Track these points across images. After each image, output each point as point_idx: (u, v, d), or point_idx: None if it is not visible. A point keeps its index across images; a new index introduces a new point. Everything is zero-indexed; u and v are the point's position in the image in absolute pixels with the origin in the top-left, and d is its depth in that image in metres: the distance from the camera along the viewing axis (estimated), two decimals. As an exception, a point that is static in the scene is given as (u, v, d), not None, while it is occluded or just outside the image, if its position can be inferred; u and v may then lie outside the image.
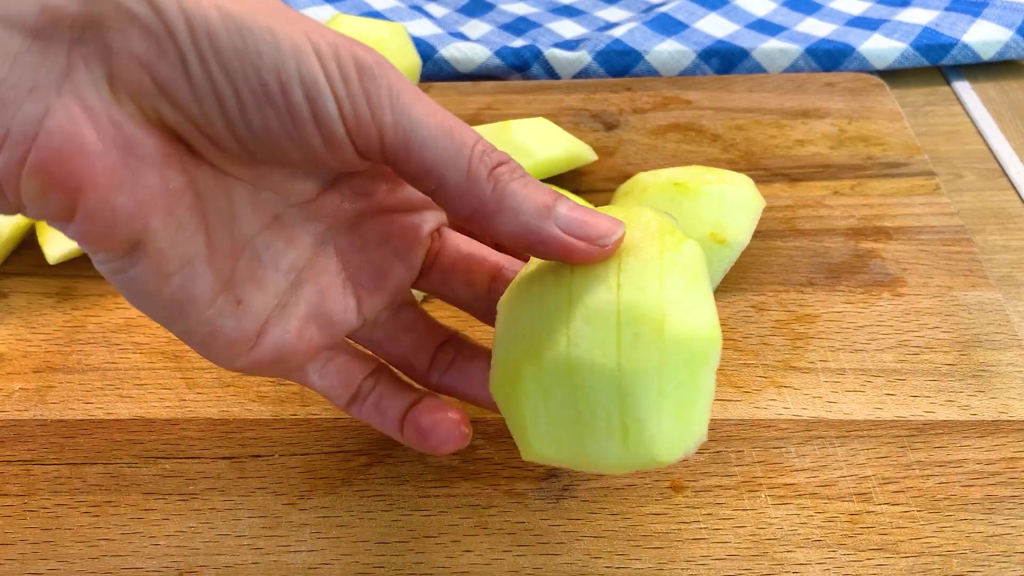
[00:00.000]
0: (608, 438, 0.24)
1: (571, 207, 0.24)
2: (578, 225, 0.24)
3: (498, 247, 0.30)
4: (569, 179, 0.46)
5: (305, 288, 0.27)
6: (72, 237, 0.22)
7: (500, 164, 0.24)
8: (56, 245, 0.40)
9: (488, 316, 0.29)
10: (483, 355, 0.30)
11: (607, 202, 0.45)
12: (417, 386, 0.30)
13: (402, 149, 0.23)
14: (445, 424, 0.28)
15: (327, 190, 0.26)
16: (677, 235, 0.26)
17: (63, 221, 0.21)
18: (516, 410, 0.25)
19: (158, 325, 0.39)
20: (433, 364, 0.30)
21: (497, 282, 0.29)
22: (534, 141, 0.42)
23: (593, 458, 0.25)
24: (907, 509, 0.31)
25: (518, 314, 0.26)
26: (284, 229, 0.26)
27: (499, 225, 0.24)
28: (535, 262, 0.27)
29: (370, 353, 0.30)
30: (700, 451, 0.33)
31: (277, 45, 0.21)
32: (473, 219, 0.24)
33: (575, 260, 0.24)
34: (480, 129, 0.43)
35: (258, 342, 0.26)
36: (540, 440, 0.25)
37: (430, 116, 0.23)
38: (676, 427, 0.24)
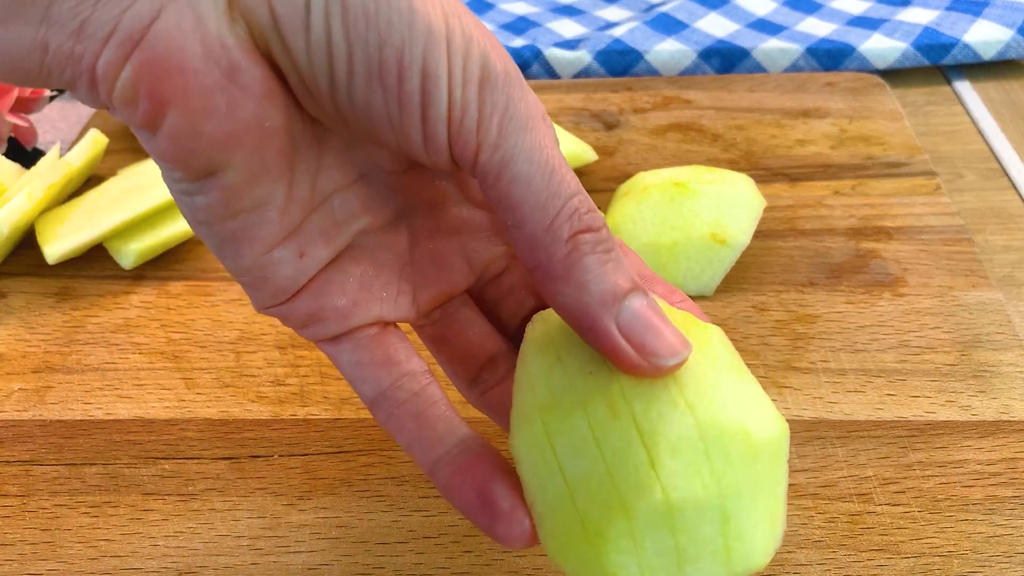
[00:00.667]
0: (710, 564, 0.23)
1: (646, 306, 0.22)
2: (641, 330, 0.21)
3: None
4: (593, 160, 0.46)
5: (365, 257, 0.25)
6: (149, 151, 0.21)
7: (587, 230, 0.21)
8: (56, 245, 0.40)
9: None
10: None
11: (607, 202, 0.45)
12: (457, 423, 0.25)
13: (492, 174, 0.21)
14: (468, 492, 0.23)
15: (419, 166, 0.24)
16: (699, 325, 0.24)
17: (146, 132, 0.20)
18: (597, 567, 0.23)
19: (158, 326, 0.39)
20: (477, 378, 0.27)
21: None
22: None
23: None
24: (908, 509, 0.31)
25: (563, 458, 0.23)
26: (364, 192, 0.24)
27: (557, 293, 0.22)
28: (539, 373, 0.24)
29: (416, 355, 0.26)
30: (700, 451, 0.33)
31: (412, 21, 0.19)
32: (536, 274, 0.22)
33: (621, 367, 0.22)
34: None
35: (301, 294, 0.24)
36: None
37: (536, 150, 0.21)
38: (769, 529, 0.23)
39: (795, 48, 0.57)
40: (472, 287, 0.27)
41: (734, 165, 0.47)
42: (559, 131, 0.45)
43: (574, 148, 0.44)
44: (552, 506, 0.23)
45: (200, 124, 0.19)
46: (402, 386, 0.25)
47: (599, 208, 0.42)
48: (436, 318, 0.27)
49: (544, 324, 0.25)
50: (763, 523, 0.23)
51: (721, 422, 0.22)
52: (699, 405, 0.22)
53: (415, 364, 0.25)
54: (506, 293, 0.27)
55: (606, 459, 0.22)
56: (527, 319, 0.26)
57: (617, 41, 0.58)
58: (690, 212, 0.38)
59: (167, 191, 0.41)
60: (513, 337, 0.27)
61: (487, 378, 0.27)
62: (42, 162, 0.42)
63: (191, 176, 0.21)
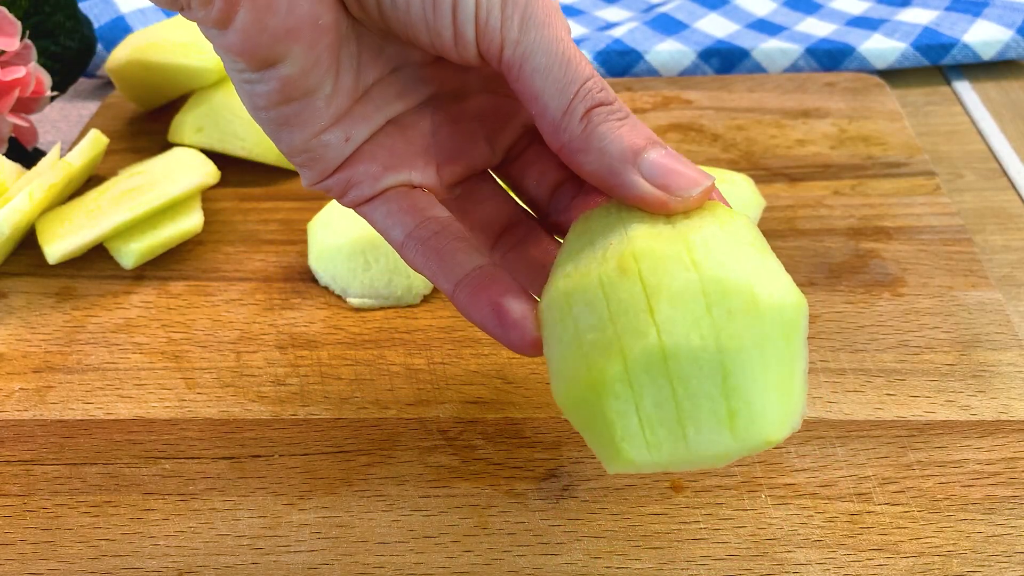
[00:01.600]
0: (714, 427, 0.22)
1: (664, 155, 0.24)
2: (662, 173, 0.24)
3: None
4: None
5: (397, 133, 0.28)
6: (219, 45, 0.23)
7: (600, 104, 0.24)
8: (56, 245, 0.40)
9: (544, 217, 0.30)
10: (549, 242, 0.30)
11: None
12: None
13: (515, 68, 0.24)
14: (483, 307, 0.26)
15: (445, 60, 0.27)
16: (727, 209, 0.25)
17: (218, 29, 0.23)
18: (600, 417, 0.23)
19: (158, 326, 0.39)
20: (497, 242, 0.30)
21: (562, 189, 0.29)
22: None
23: (697, 453, 0.23)
24: (907, 509, 0.31)
25: (577, 314, 0.24)
26: (398, 83, 0.27)
27: (583, 164, 0.24)
28: (571, 253, 0.25)
29: (439, 206, 0.29)
30: (700, 451, 0.33)
31: None
32: (562, 154, 0.25)
33: (654, 209, 0.24)
34: None
35: (343, 168, 0.27)
36: (633, 445, 0.23)
37: (553, 42, 0.24)
38: (781, 403, 0.23)
39: (795, 48, 0.57)
40: (496, 166, 0.30)
41: (734, 165, 0.47)
42: None
43: None
44: (563, 356, 0.24)
45: (265, 20, 0.22)
46: (427, 226, 0.27)
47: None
48: (459, 193, 0.30)
49: (584, 217, 0.27)
50: (772, 392, 0.22)
51: (725, 280, 0.22)
52: (705, 263, 0.23)
53: (438, 211, 0.28)
54: (528, 165, 0.30)
55: (611, 310, 0.23)
56: (552, 188, 0.29)
57: (617, 41, 0.58)
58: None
59: (168, 191, 0.42)
60: (538, 208, 0.30)
61: (507, 240, 0.30)
62: (43, 162, 0.42)
63: (254, 67, 0.24)
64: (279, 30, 0.23)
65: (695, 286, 0.22)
